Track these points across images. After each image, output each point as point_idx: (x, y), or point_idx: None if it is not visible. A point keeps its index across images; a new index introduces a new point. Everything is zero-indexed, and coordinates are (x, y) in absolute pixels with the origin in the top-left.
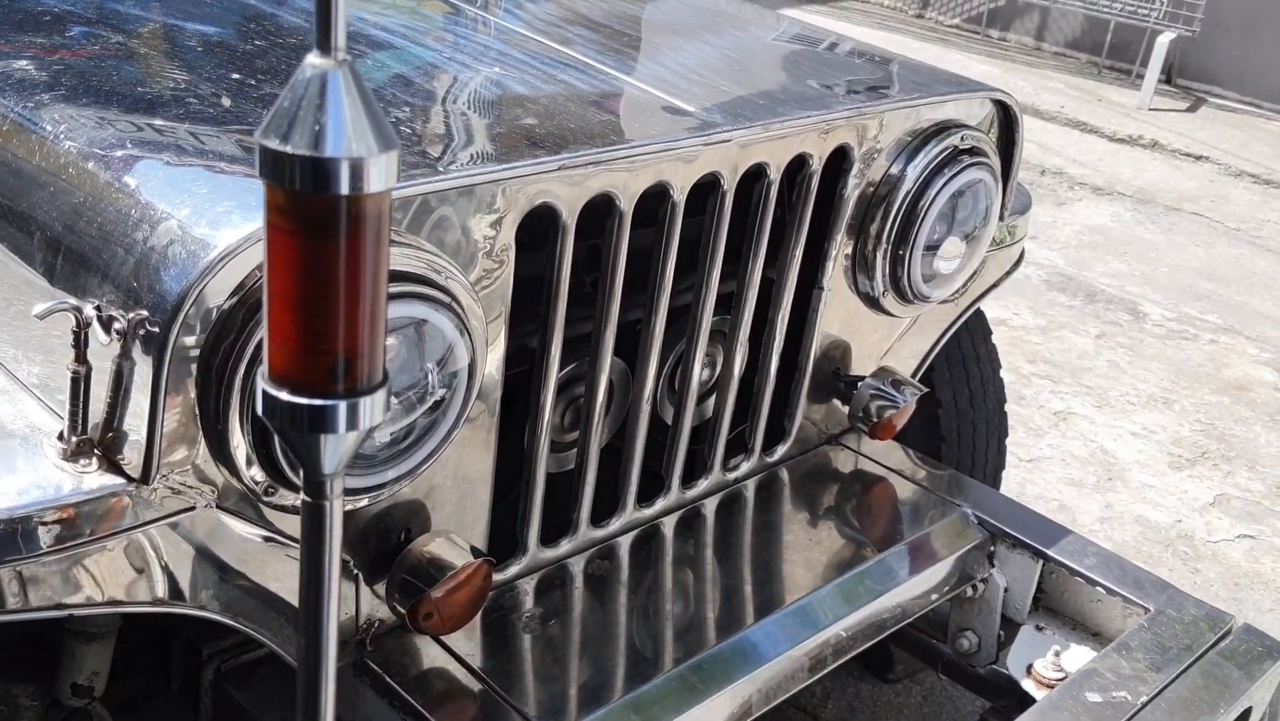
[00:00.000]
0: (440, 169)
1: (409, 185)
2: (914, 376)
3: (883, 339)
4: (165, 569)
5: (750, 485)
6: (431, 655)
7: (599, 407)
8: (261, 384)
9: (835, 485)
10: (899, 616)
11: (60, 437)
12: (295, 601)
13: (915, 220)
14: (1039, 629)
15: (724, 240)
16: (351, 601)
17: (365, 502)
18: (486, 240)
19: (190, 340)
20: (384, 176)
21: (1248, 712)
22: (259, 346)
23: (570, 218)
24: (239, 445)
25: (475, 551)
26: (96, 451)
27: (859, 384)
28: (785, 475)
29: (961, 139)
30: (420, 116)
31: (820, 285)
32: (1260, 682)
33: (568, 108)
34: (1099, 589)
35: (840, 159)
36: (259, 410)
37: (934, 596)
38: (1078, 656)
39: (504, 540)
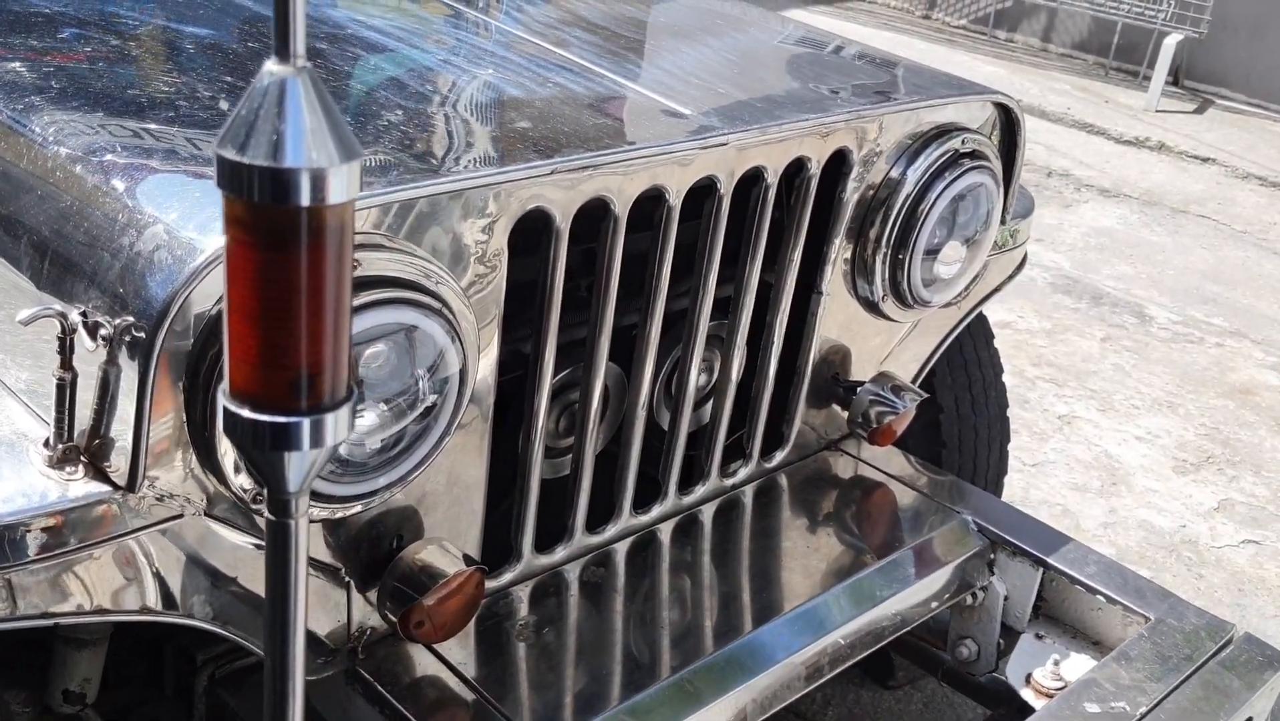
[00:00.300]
0: (431, 172)
1: (399, 190)
2: (915, 381)
3: (883, 343)
4: (154, 577)
5: (748, 491)
6: (424, 663)
7: (594, 413)
8: (222, 400)
9: (834, 491)
10: (898, 624)
11: (46, 444)
12: None
13: (915, 224)
14: (1039, 637)
15: (721, 244)
16: (343, 609)
17: (357, 509)
18: (479, 245)
19: (177, 346)
20: (346, 187)
21: None
22: None
23: (564, 222)
24: (226, 452)
25: (468, 559)
26: (83, 459)
27: (858, 389)
28: (784, 481)
29: (962, 142)
30: (413, 119)
31: (819, 289)
32: (1261, 692)
33: (563, 111)
34: (1099, 597)
35: (839, 162)
36: (220, 428)
37: (933, 604)
38: (1077, 665)
39: (498, 547)
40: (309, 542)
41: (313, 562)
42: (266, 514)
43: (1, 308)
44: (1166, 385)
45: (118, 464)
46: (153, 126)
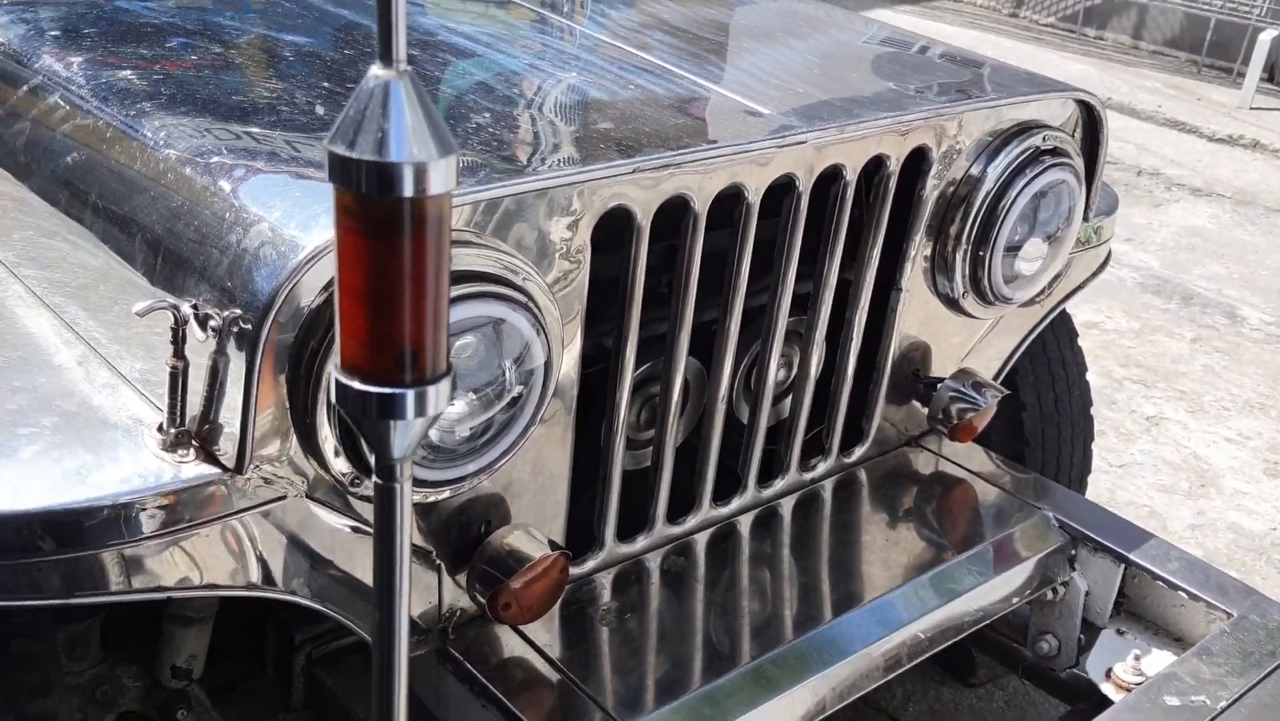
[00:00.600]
0: (518, 172)
1: (487, 188)
2: (996, 379)
3: (963, 340)
4: (258, 555)
5: (828, 485)
6: (511, 645)
7: (674, 406)
8: (335, 373)
9: (914, 486)
10: (977, 618)
11: (160, 429)
12: None
13: (996, 221)
14: (1120, 633)
15: (799, 241)
16: (434, 591)
17: (447, 495)
18: (563, 242)
19: (281, 337)
20: (444, 179)
21: None
22: None
23: (645, 219)
24: (327, 438)
25: (553, 544)
26: (194, 442)
27: (939, 385)
28: (863, 476)
29: (1043, 139)
30: (501, 121)
31: (898, 286)
32: None
33: (644, 112)
34: (1181, 594)
35: (919, 160)
36: (333, 398)
37: (1013, 599)
38: (1158, 661)
39: (581, 535)
40: None
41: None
42: (374, 479)
43: (117, 302)
44: (1258, 386)
45: (226, 447)
46: (256, 130)
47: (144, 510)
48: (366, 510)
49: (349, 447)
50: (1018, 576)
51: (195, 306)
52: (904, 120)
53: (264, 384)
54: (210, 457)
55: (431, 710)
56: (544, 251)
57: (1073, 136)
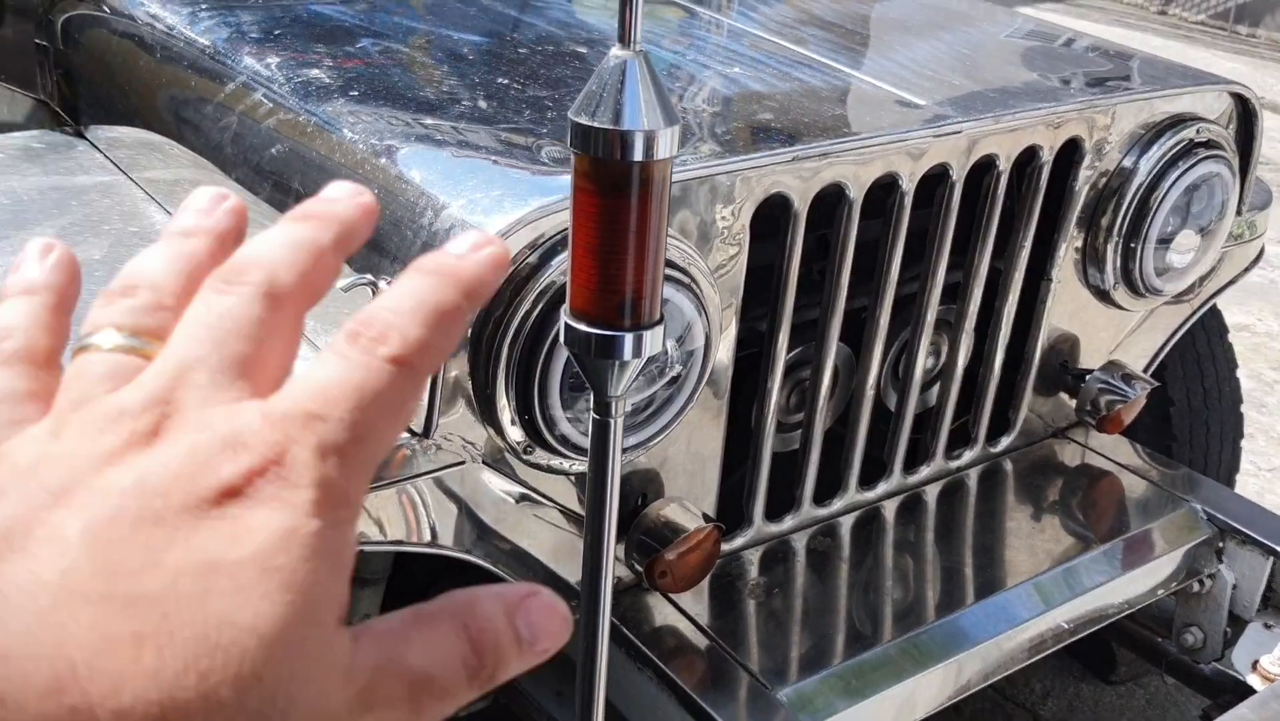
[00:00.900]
0: (683, 160)
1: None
2: (1145, 373)
3: (1113, 333)
4: (435, 517)
5: (973, 474)
6: (664, 613)
7: (824, 391)
8: (565, 317)
9: (1060, 477)
10: (1121, 608)
11: None
12: (545, 557)
13: (1148, 213)
14: (1268, 626)
15: (951, 231)
16: None
17: None
18: (724, 227)
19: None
20: (669, 146)
21: None
22: (523, 319)
23: (802, 207)
24: (504, 408)
25: (706, 517)
26: None
27: (1087, 377)
28: (1009, 466)
29: (1197, 132)
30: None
31: (1049, 277)
32: None
33: (801, 103)
34: None
35: (1071, 151)
36: (561, 339)
37: (1158, 590)
38: None
39: (731, 513)
40: (568, 495)
41: (568, 515)
42: (592, 414)
43: None
44: None
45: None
46: (442, 123)
47: None
48: (536, 479)
49: (524, 419)
50: (1163, 567)
51: (390, 283)
52: (1057, 111)
53: (450, 356)
54: None
55: None
56: (706, 236)
57: (1227, 130)
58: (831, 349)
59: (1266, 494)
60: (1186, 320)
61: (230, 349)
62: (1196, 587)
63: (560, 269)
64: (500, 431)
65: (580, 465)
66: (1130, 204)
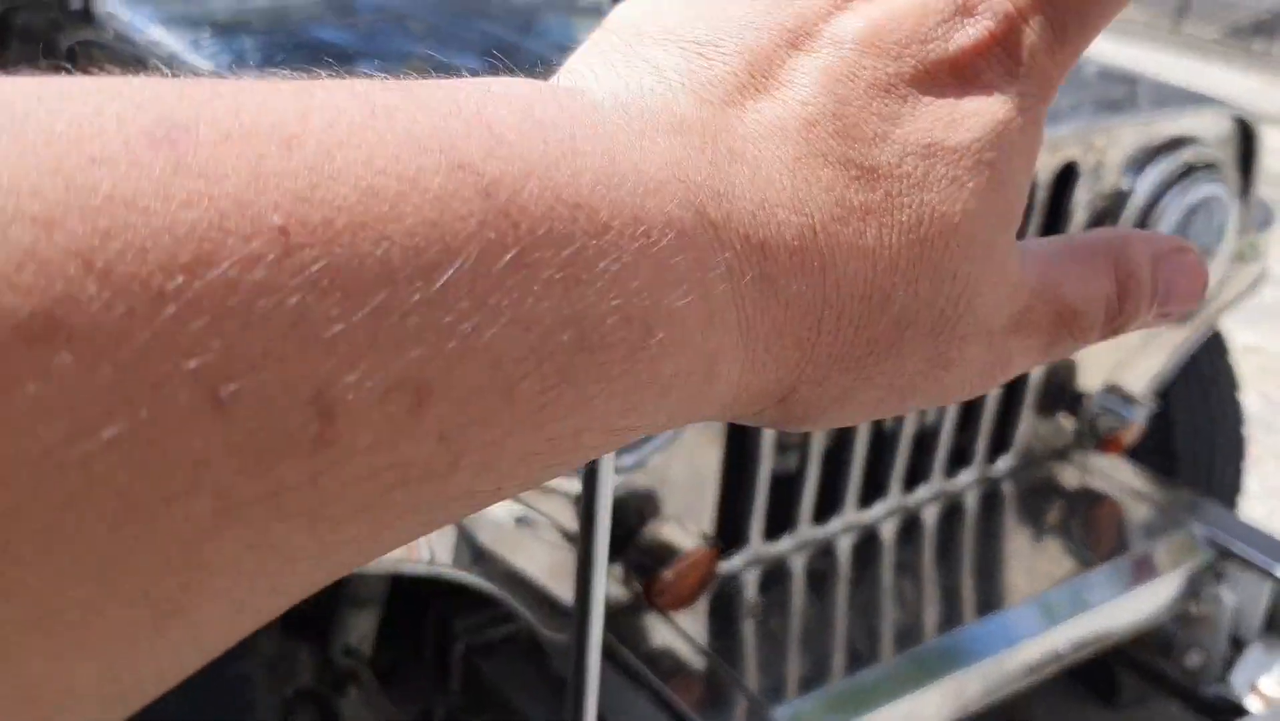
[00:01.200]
0: None
1: None
2: (1148, 394)
3: (1113, 355)
4: (436, 536)
5: (971, 494)
6: (662, 633)
7: None
8: None
9: (1059, 498)
10: (1120, 629)
11: None
12: (543, 577)
13: None
14: (1268, 649)
15: None
16: None
17: None
18: None
19: None
20: None
21: None
22: None
23: None
24: None
25: (704, 537)
26: None
27: (1087, 399)
28: (1008, 486)
29: (1195, 154)
30: None
31: None
32: None
33: None
34: None
35: (1068, 173)
36: None
37: (1158, 612)
38: None
39: (729, 533)
40: (566, 514)
41: (566, 534)
42: None
43: None
44: None
45: None
46: None
47: None
48: (532, 497)
49: None
50: (1163, 589)
51: None
52: (1053, 134)
53: None
54: None
55: None
56: None
57: (1226, 152)
58: None
59: (1276, 515)
60: (1189, 341)
61: None
62: (1196, 610)
63: None
64: None
65: (577, 484)
66: (1128, 226)
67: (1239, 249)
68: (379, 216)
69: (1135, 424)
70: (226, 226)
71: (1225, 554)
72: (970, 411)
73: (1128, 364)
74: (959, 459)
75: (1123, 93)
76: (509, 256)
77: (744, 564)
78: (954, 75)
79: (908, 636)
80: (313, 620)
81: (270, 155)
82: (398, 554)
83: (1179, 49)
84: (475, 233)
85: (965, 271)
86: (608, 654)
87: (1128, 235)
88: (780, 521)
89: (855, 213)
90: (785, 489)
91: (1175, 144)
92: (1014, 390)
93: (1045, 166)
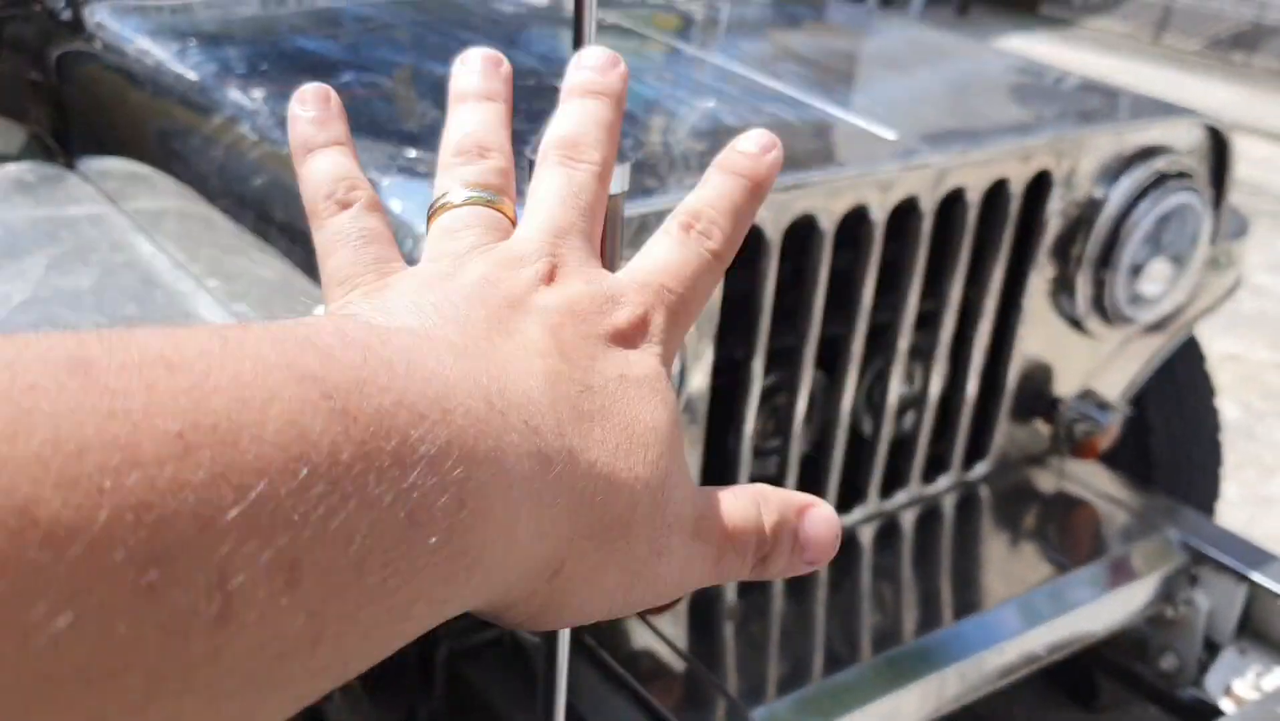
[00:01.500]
0: (659, 192)
1: (637, 206)
2: (1123, 401)
3: (1088, 362)
4: None
5: (949, 499)
6: (642, 636)
7: (799, 417)
8: None
9: (1035, 503)
10: (1094, 633)
11: None
12: None
13: (1118, 243)
14: (1242, 652)
15: (923, 261)
16: None
17: None
18: None
19: None
20: (621, 182)
21: None
22: None
23: (775, 237)
24: None
25: None
26: None
27: (1062, 404)
28: (985, 491)
29: (1167, 163)
30: (640, 147)
31: (1021, 306)
32: None
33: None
34: None
35: (1042, 182)
36: None
37: (1132, 615)
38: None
39: None
40: None
41: None
42: None
43: (294, 309)
44: None
45: None
46: (424, 155)
47: None
48: None
49: None
50: (1137, 592)
51: None
52: (1026, 144)
53: None
54: None
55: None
56: None
57: (1199, 161)
58: (807, 375)
59: (1255, 523)
60: (1164, 350)
61: (589, 220)
62: (1171, 614)
63: None
64: None
65: None
66: (1100, 234)
67: (1213, 257)
68: (252, 421)
69: (1110, 428)
70: (138, 436)
71: (1200, 558)
72: (947, 418)
73: (1102, 370)
74: (936, 465)
75: (1096, 103)
76: (351, 449)
77: None
78: (619, 340)
79: (886, 638)
80: None
81: (160, 378)
82: None
83: (1159, 61)
84: (325, 428)
85: (665, 464)
86: (588, 657)
87: (764, 488)
88: None
89: (587, 415)
90: None
91: (1148, 153)
92: (990, 397)
93: (1018, 176)
